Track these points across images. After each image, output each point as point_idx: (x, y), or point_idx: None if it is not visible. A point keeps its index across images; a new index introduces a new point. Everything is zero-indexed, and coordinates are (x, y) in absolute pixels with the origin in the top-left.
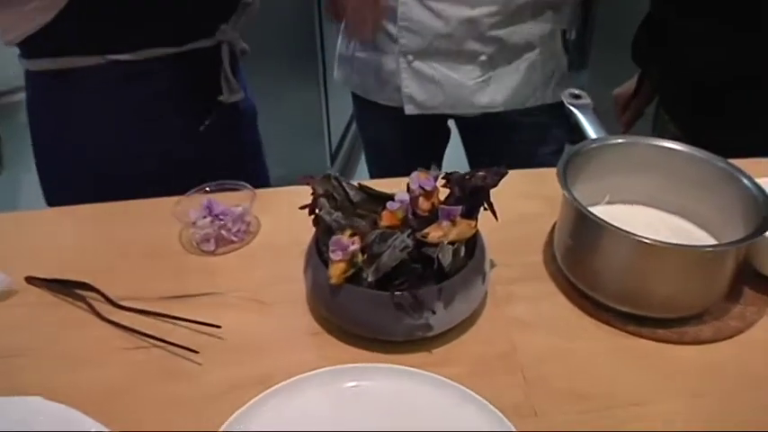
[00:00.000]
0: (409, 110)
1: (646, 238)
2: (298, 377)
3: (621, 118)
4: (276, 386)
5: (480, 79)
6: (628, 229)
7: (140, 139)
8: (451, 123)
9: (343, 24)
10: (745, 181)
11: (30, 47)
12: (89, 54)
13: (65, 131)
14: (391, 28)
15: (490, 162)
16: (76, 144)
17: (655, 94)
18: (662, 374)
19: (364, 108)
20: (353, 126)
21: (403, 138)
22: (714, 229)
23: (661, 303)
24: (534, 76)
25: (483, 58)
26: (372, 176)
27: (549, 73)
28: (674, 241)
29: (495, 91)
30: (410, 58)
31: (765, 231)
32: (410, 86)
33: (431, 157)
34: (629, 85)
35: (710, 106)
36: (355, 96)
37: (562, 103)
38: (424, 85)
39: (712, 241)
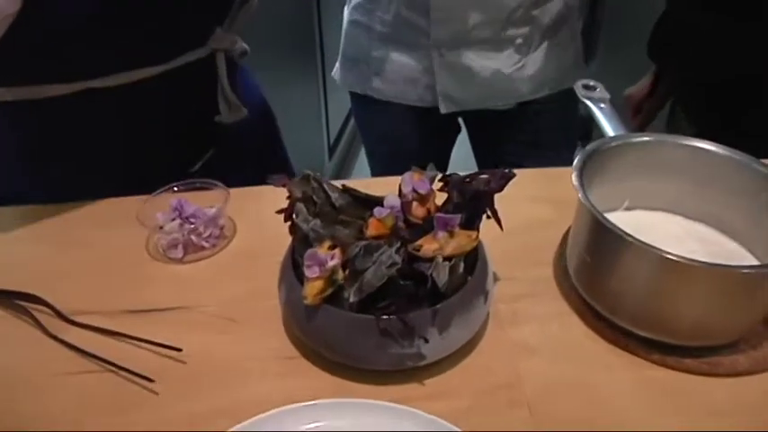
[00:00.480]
0: (446, 108)
1: (675, 255)
2: (259, 417)
3: (634, 120)
4: (235, 427)
5: (518, 65)
6: (652, 243)
7: (124, 177)
8: (460, 119)
9: None
10: None
11: None
12: (54, 81)
13: (28, 165)
14: (420, 21)
15: (510, 156)
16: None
17: (670, 95)
18: (691, 411)
19: (375, 111)
20: (352, 120)
21: (417, 138)
22: (747, 241)
23: (690, 329)
24: (564, 56)
25: (519, 41)
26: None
27: (577, 51)
28: (702, 253)
29: (532, 76)
30: (443, 51)
31: None
32: (445, 83)
33: (440, 156)
34: (642, 85)
35: (732, 107)
36: (360, 98)
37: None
38: (460, 79)
39: (746, 255)
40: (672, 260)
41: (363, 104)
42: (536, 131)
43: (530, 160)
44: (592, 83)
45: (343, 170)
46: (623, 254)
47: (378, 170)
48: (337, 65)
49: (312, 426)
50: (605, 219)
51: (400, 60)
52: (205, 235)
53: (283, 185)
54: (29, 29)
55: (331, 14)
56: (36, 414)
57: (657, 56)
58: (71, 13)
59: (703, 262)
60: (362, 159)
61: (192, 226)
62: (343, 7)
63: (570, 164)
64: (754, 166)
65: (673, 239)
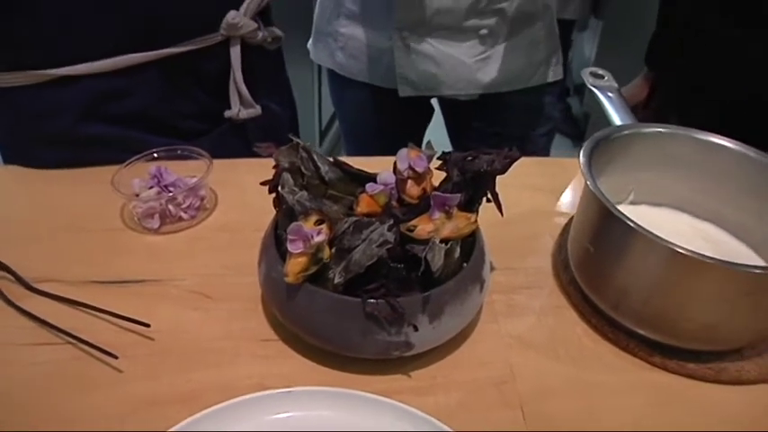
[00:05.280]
0: (403, 91)
1: (688, 250)
2: (226, 403)
3: None
4: (198, 414)
5: (482, 56)
6: (660, 235)
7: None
8: (434, 101)
9: None
10: None
11: None
12: (31, 67)
13: (17, 153)
14: (385, 1)
15: (477, 144)
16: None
17: (669, 108)
18: (693, 419)
19: (343, 87)
20: None
21: (386, 117)
22: (757, 244)
23: (696, 332)
24: (536, 54)
25: (484, 32)
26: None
27: (551, 49)
28: (710, 253)
29: (496, 69)
30: (405, 34)
31: None
32: (405, 66)
33: (412, 137)
34: (638, 89)
35: (734, 123)
36: (334, 75)
37: (557, 82)
38: (421, 64)
39: (755, 257)
40: (683, 254)
41: (335, 81)
42: (501, 124)
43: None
44: (600, 71)
45: (333, 154)
46: (631, 246)
47: (350, 147)
48: (311, 38)
49: (283, 415)
50: (614, 207)
51: (364, 38)
52: (184, 205)
53: (270, 155)
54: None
55: None
56: None
57: (658, 67)
58: None
59: (717, 259)
60: None
61: (171, 195)
62: None
63: None
64: (762, 161)
65: (679, 237)
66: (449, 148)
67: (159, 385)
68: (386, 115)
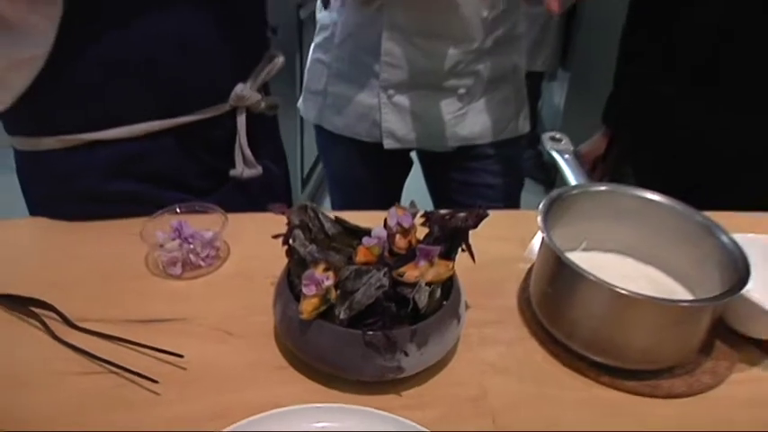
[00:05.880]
0: (388, 144)
1: (625, 290)
2: (259, 416)
3: (591, 177)
4: (236, 425)
5: (459, 113)
6: (606, 279)
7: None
8: (413, 154)
9: None
10: (723, 237)
11: (5, 120)
12: (62, 132)
13: (46, 207)
14: (372, 62)
15: (454, 193)
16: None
17: (624, 158)
18: (633, 427)
19: (330, 141)
20: None
21: (370, 170)
22: (690, 282)
23: (635, 355)
24: (507, 109)
25: (461, 91)
26: (334, 208)
27: (520, 106)
28: (650, 293)
29: (472, 124)
30: (390, 92)
31: (742, 289)
32: (390, 121)
33: (393, 187)
34: (597, 144)
35: (683, 177)
36: (321, 130)
37: (525, 135)
38: (404, 119)
39: (687, 295)
40: (621, 294)
41: (323, 136)
42: (475, 174)
43: (471, 200)
44: (558, 135)
45: (314, 202)
46: (580, 288)
47: (337, 199)
48: (301, 97)
49: (319, 425)
50: (565, 257)
51: (352, 97)
52: (202, 255)
53: (282, 213)
54: (55, 76)
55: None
56: (41, 410)
57: (614, 124)
58: (95, 62)
59: (647, 296)
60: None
61: (191, 246)
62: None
63: (513, 206)
64: (695, 218)
65: (624, 279)
66: (427, 196)
67: (192, 406)
68: (369, 167)
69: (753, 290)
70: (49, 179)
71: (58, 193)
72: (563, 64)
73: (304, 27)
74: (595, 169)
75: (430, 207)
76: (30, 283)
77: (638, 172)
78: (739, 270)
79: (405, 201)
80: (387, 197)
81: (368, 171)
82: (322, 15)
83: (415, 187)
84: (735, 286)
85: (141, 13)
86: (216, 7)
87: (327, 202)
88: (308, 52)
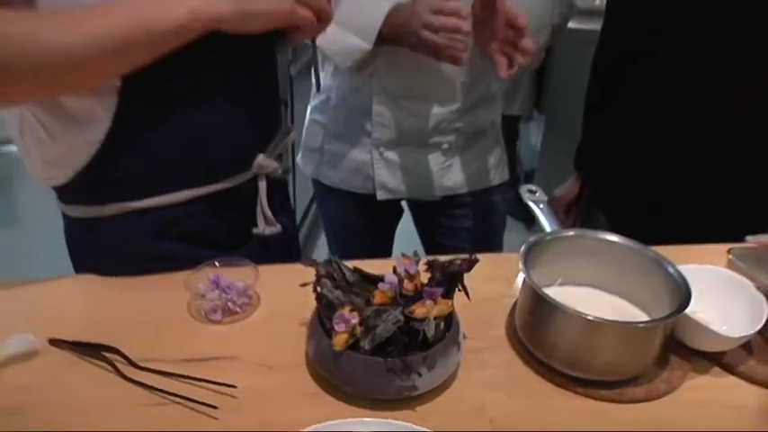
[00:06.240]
0: (381, 195)
1: (591, 316)
2: (326, 424)
3: (565, 220)
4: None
5: (444, 165)
6: (577, 309)
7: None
8: (403, 203)
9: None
10: (670, 268)
11: (62, 191)
12: (114, 201)
13: (95, 267)
14: (364, 123)
15: (442, 237)
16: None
17: (595, 201)
18: (605, 428)
19: (329, 195)
20: (315, 205)
21: (365, 219)
22: (647, 307)
23: (603, 369)
24: (487, 160)
25: (445, 146)
26: (332, 253)
27: (499, 157)
28: (614, 318)
29: (456, 175)
30: (382, 149)
31: (685, 309)
32: (382, 174)
33: (386, 233)
34: (570, 189)
35: (646, 218)
36: (319, 184)
37: (506, 183)
38: (395, 172)
39: (645, 317)
40: (589, 320)
41: (321, 190)
42: (460, 220)
43: (458, 243)
44: (533, 188)
45: (305, 249)
46: (556, 317)
47: (335, 245)
48: (300, 154)
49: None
50: (543, 292)
51: (347, 154)
52: (238, 302)
53: (311, 265)
54: (108, 156)
55: (302, 114)
56: None
57: (584, 171)
58: (144, 143)
59: (609, 320)
60: (323, 240)
61: (228, 295)
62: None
63: (497, 246)
64: (648, 254)
65: (593, 308)
66: (416, 240)
67: (245, 426)
68: (364, 216)
69: (699, 311)
70: (98, 242)
71: (107, 254)
72: (538, 107)
73: (294, 82)
74: (569, 212)
75: (419, 249)
76: (93, 332)
77: (608, 214)
78: (683, 295)
79: (396, 245)
80: (381, 242)
81: (362, 219)
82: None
83: (406, 232)
84: (679, 308)
85: (185, 102)
86: (243, 92)
87: (318, 248)
88: (298, 106)
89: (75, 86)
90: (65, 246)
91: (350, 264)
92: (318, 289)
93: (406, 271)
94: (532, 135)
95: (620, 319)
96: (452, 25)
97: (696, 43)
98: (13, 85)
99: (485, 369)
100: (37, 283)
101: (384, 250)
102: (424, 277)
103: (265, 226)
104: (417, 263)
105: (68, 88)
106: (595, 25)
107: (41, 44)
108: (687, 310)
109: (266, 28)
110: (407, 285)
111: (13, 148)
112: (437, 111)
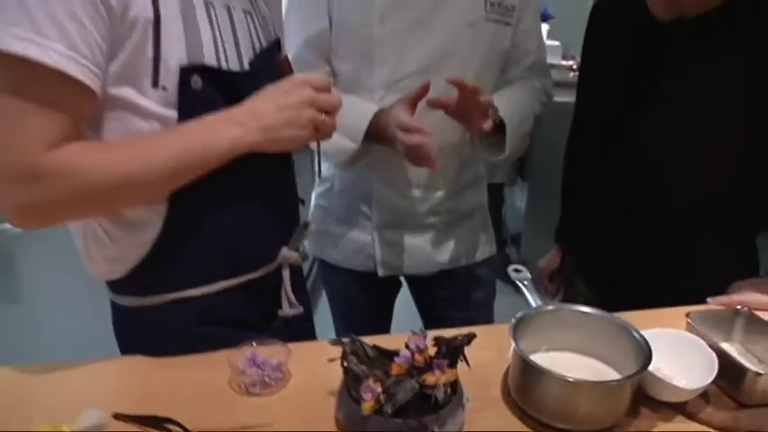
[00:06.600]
0: (382, 272)
1: (571, 378)
2: None
3: (548, 288)
4: None
5: (437, 243)
6: (559, 371)
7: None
8: (401, 278)
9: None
10: (634, 333)
11: (116, 284)
12: (160, 292)
13: (140, 348)
14: (365, 208)
15: (437, 308)
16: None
17: (575, 270)
18: None
19: (333, 273)
20: (311, 277)
21: (366, 294)
22: (618, 367)
23: (583, 420)
24: (476, 236)
25: (438, 226)
26: (337, 326)
27: (486, 233)
28: (590, 378)
29: (449, 251)
30: (381, 230)
31: (648, 368)
32: (382, 253)
33: (385, 306)
34: (552, 260)
35: (619, 285)
36: (323, 263)
37: (493, 256)
38: (394, 251)
39: (616, 376)
40: (569, 381)
41: (325, 268)
42: (453, 291)
43: (454, 313)
44: (519, 267)
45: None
46: (542, 379)
47: (339, 319)
48: None
49: None
50: (530, 359)
51: (350, 236)
52: (273, 377)
53: (338, 344)
54: (159, 254)
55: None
56: None
57: (564, 244)
58: (190, 243)
59: (585, 380)
60: (320, 307)
61: (264, 371)
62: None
63: (488, 312)
64: (614, 321)
65: (573, 370)
66: (414, 311)
67: None
68: (365, 291)
69: (663, 367)
70: (144, 327)
71: (151, 337)
72: (521, 174)
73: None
74: (553, 280)
75: (416, 319)
76: (150, 407)
77: (587, 282)
78: (646, 355)
79: (396, 317)
80: (381, 314)
81: (364, 294)
82: (323, 169)
83: (404, 305)
84: (642, 367)
85: (222, 206)
86: (271, 195)
87: (317, 315)
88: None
89: (136, 203)
90: (66, 321)
91: (368, 340)
92: (346, 364)
93: (417, 346)
94: (517, 199)
95: (596, 378)
96: (418, 128)
97: (653, 133)
98: (87, 207)
99: (485, 424)
100: (91, 363)
101: (384, 321)
102: (432, 351)
103: (289, 308)
104: (425, 338)
105: (130, 205)
106: (570, 97)
107: (113, 172)
108: (651, 368)
109: (292, 149)
110: (418, 358)
111: (10, 225)
112: (431, 195)
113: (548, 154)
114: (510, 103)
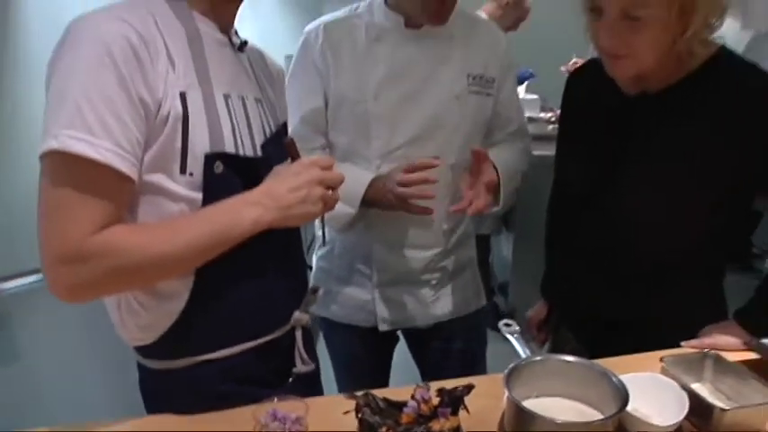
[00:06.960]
0: (383, 327)
1: (560, 420)
2: None
3: (537, 337)
4: None
5: (433, 298)
6: (549, 415)
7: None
8: (399, 332)
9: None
10: (613, 378)
11: (145, 349)
12: (186, 356)
13: (167, 407)
14: (365, 268)
15: (433, 359)
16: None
17: (562, 322)
18: None
19: (335, 329)
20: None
21: (367, 348)
22: (601, 408)
23: None
24: (468, 290)
25: (434, 282)
26: (339, 381)
27: (476, 287)
28: (576, 419)
29: (443, 305)
30: (381, 288)
31: (625, 408)
32: (383, 310)
33: (384, 359)
34: (539, 311)
35: (600, 335)
36: (325, 320)
37: (484, 306)
38: (393, 307)
39: (599, 416)
40: (557, 423)
41: (327, 325)
42: (449, 342)
43: (449, 362)
44: (509, 321)
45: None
46: (534, 422)
47: (341, 371)
48: None
49: None
50: (522, 405)
51: (351, 294)
52: (293, 430)
53: (352, 398)
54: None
55: None
56: None
57: (549, 298)
58: (218, 312)
59: (572, 422)
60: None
61: (285, 425)
62: (311, 253)
63: (481, 360)
64: (595, 368)
65: (561, 413)
66: (411, 363)
67: None
68: (366, 346)
69: (640, 407)
70: (171, 388)
71: (177, 396)
72: (506, 225)
73: None
74: (540, 329)
75: (414, 371)
76: None
77: (573, 331)
78: (623, 397)
79: (394, 368)
80: (380, 366)
81: (364, 348)
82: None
83: (400, 356)
84: (621, 408)
85: (242, 276)
86: (284, 264)
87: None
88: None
89: (169, 278)
90: (65, 380)
91: (376, 393)
92: (360, 415)
93: (422, 397)
94: (503, 248)
95: (581, 419)
96: (422, 178)
97: (624, 193)
98: (127, 282)
99: None
100: (123, 421)
101: (384, 373)
102: (435, 400)
103: (302, 365)
104: (429, 390)
105: (163, 279)
106: (550, 151)
107: (150, 252)
108: (629, 408)
109: (305, 223)
110: (424, 408)
111: (8, 285)
112: (426, 254)
113: (531, 204)
114: (499, 160)
